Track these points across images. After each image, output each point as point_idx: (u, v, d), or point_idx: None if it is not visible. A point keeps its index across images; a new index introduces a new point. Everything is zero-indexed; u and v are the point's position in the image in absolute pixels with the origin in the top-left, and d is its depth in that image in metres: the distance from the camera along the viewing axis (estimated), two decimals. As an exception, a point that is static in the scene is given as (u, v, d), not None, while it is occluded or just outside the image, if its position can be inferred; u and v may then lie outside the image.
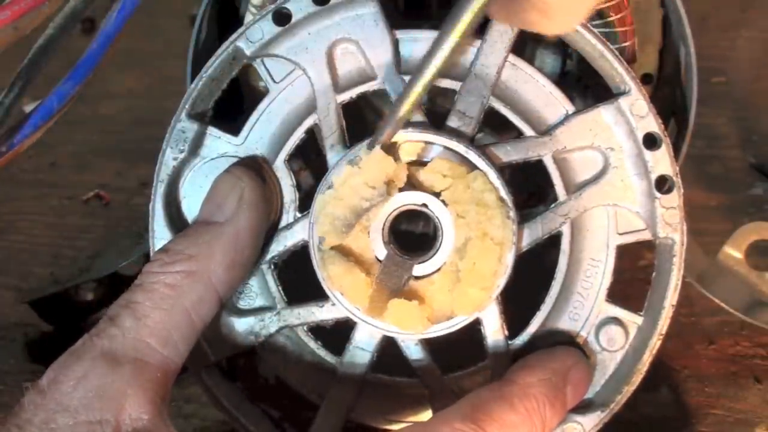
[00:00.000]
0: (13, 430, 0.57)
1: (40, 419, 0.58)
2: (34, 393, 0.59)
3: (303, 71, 0.70)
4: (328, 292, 0.69)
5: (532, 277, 0.71)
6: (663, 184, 0.68)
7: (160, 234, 0.71)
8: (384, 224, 0.68)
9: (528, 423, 0.63)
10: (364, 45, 0.69)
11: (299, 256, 0.72)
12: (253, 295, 0.73)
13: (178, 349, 0.63)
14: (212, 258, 0.65)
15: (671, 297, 0.68)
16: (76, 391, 0.59)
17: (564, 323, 0.70)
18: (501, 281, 0.67)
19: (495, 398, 0.63)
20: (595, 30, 0.67)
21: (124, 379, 0.60)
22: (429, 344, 0.71)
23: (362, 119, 0.88)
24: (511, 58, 0.68)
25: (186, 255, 0.64)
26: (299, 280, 0.73)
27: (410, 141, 0.68)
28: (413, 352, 0.71)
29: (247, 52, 0.70)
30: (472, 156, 0.67)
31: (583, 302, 0.70)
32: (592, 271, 0.70)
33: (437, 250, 0.68)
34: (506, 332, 0.70)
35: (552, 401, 0.64)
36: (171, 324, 0.62)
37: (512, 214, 0.66)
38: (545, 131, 0.69)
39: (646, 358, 0.68)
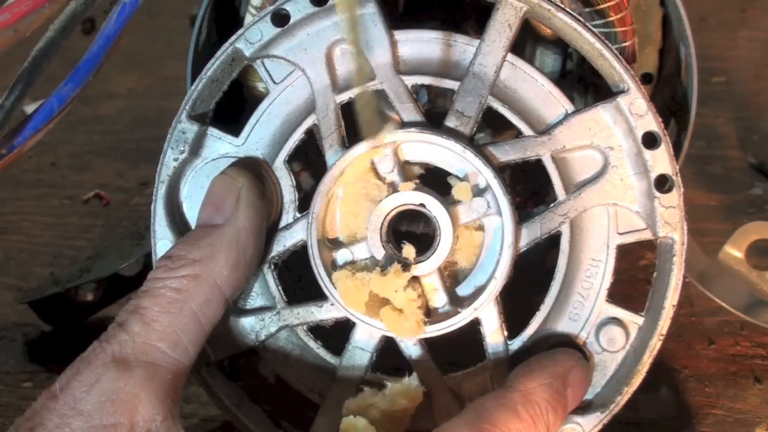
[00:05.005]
0: None
1: (53, 423, 0.58)
2: (47, 398, 0.60)
3: (302, 72, 0.70)
4: (327, 293, 0.69)
5: (531, 278, 0.71)
6: (663, 184, 0.67)
7: (161, 234, 0.72)
8: (382, 224, 0.69)
9: (533, 430, 0.63)
10: (362, 45, 0.69)
11: (299, 256, 0.72)
12: (254, 294, 0.73)
13: (188, 352, 0.64)
14: (216, 260, 0.65)
15: (672, 297, 0.68)
16: (89, 396, 0.59)
17: (564, 324, 0.70)
18: None
19: (498, 406, 0.63)
20: (595, 30, 0.67)
21: (136, 383, 0.60)
22: (429, 344, 0.71)
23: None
24: (510, 57, 0.68)
25: (189, 259, 0.65)
26: (299, 279, 0.73)
27: (408, 141, 0.69)
28: (412, 351, 0.71)
29: (247, 54, 0.70)
30: (469, 155, 0.67)
31: (584, 302, 0.70)
32: (592, 271, 0.69)
33: (435, 250, 0.68)
34: (506, 333, 0.70)
35: (554, 405, 0.64)
36: (179, 327, 0.63)
37: None
38: (544, 131, 0.69)
39: (647, 359, 0.68)
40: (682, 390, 0.86)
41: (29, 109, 0.67)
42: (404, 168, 0.70)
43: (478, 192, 0.69)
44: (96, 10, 0.68)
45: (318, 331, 0.73)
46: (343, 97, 0.70)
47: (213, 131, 0.72)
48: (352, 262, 0.70)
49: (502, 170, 0.69)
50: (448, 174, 0.70)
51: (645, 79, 0.84)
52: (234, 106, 0.76)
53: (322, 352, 0.73)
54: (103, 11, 0.69)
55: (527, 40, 0.83)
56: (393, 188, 0.69)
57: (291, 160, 0.72)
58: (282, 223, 0.72)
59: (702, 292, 0.91)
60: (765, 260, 0.95)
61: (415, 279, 0.69)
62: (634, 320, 0.69)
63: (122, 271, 0.95)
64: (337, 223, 0.71)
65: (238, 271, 0.67)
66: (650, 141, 0.67)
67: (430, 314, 0.70)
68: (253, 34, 0.70)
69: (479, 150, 0.68)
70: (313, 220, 0.69)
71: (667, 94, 0.85)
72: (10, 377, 0.94)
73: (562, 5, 0.67)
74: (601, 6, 0.75)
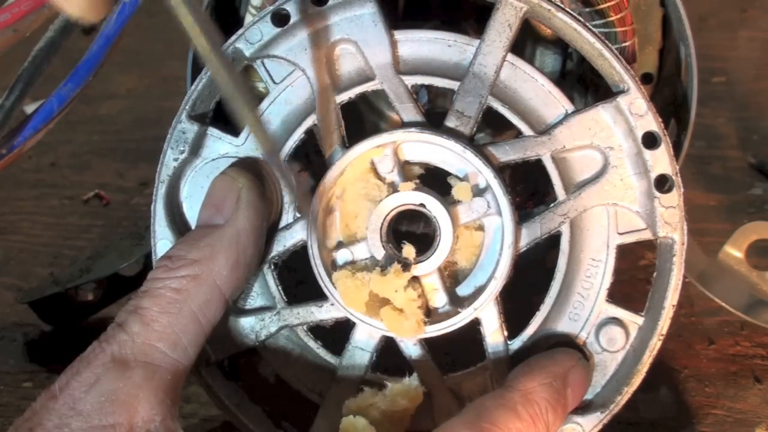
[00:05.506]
0: None
1: (53, 424, 0.58)
2: (46, 398, 0.60)
3: (302, 72, 0.70)
4: (327, 292, 0.69)
5: (532, 278, 0.71)
6: (663, 184, 0.68)
7: (161, 235, 0.72)
8: (381, 224, 0.69)
9: (533, 429, 0.63)
10: (362, 45, 0.69)
11: (299, 256, 0.72)
12: (254, 294, 0.73)
13: (187, 352, 0.64)
14: (215, 260, 0.65)
15: (672, 297, 0.68)
16: (88, 396, 0.59)
17: (564, 324, 0.70)
18: None
19: (498, 406, 0.63)
20: (595, 30, 0.67)
21: (136, 383, 0.60)
22: (429, 344, 0.71)
23: (361, 119, 0.88)
24: (510, 57, 0.68)
25: (189, 260, 0.65)
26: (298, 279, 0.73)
27: (408, 141, 0.69)
28: (412, 351, 0.71)
29: (247, 54, 0.70)
30: (469, 155, 0.67)
31: (584, 302, 0.70)
32: (592, 271, 0.69)
33: (435, 250, 0.68)
34: (506, 333, 0.70)
35: (554, 405, 0.64)
36: (179, 327, 0.63)
37: None
38: (544, 131, 0.69)
39: (647, 359, 0.68)
40: (682, 390, 0.86)
41: (29, 109, 0.67)
42: (404, 168, 0.70)
43: (478, 192, 0.69)
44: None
45: (318, 331, 0.73)
46: (343, 97, 0.70)
47: (213, 131, 0.72)
48: (352, 262, 0.70)
49: (502, 170, 0.69)
50: (448, 174, 0.70)
51: (645, 79, 0.84)
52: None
53: (322, 352, 0.73)
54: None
55: (527, 40, 0.83)
56: (393, 188, 0.69)
57: (291, 160, 0.72)
58: (282, 223, 0.72)
59: (702, 292, 0.91)
60: (765, 260, 0.95)
61: (415, 279, 0.69)
62: (634, 320, 0.69)
63: (122, 271, 0.95)
64: (337, 223, 0.71)
65: (237, 271, 0.67)
66: (650, 141, 0.67)
67: (430, 314, 0.70)
68: (253, 34, 0.70)
69: (479, 150, 0.68)
70: (313, 220, 0.69)
71: (667, 94, 0.85)
72: (10, 377, 0.94)
73: (562, 5, 0.67)
74: (601, 6, 0.75)
